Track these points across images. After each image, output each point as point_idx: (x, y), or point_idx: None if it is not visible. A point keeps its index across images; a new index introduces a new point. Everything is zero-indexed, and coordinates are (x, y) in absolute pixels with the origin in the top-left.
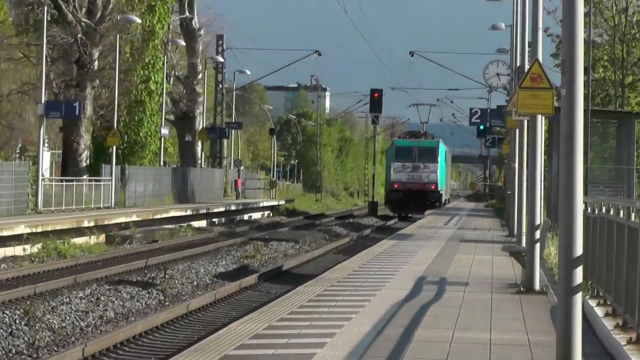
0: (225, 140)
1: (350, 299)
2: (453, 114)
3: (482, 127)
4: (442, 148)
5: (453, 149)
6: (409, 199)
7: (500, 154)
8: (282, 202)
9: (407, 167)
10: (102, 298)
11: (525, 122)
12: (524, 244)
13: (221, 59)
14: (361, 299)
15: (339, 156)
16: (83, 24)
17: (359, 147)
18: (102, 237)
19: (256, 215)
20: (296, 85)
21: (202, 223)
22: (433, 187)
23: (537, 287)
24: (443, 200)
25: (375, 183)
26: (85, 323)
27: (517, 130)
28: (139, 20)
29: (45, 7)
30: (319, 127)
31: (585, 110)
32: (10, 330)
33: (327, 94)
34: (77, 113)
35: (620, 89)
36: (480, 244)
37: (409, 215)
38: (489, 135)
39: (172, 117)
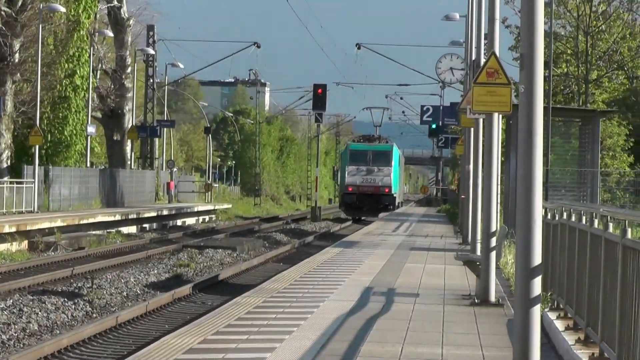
0: (156, 140)
1: (291, 311)
2: (403, 112)
3: (434, 126)
4: (396, 151)
5: (403, 150)
6: (363, 202)
7: (454, 156)
8: (218, 207)
9: (362, 170)
10: (25, 309)
11: (481, 120)
12: (478, 252)
13: (152, 51)
14: (303, 311)
15: (280, 157)
16: (3, 13)
17: (302, 148)
18: (25, 244)
19: (190, 221)
20: (233, 80)
21: (132, 229)
22: (387, 190)
23: (492, 298)
24: (397, 203)
25: (319, 186)
26: (7, 336)
27: (472, 130)
28: (63, 9)
29: None
30: (258, 126)
31: (545, 108)
32: None
33: (267, 89)
34: None
35: (584, 85)
36: (432, 252)
37: (362, 218)
38: (442, 135)
39: (99, 115)
